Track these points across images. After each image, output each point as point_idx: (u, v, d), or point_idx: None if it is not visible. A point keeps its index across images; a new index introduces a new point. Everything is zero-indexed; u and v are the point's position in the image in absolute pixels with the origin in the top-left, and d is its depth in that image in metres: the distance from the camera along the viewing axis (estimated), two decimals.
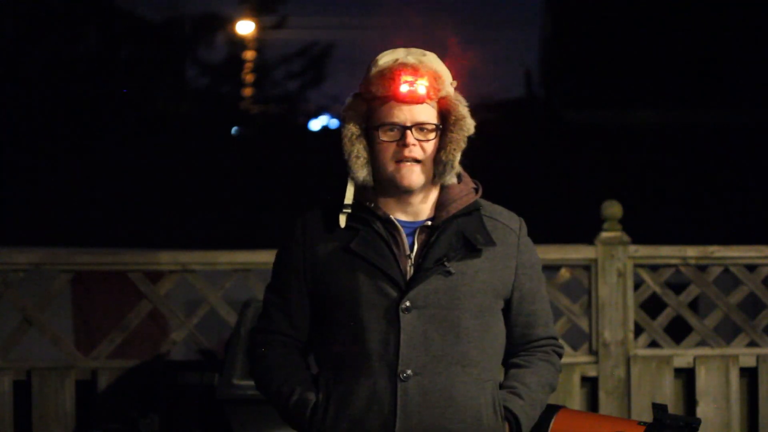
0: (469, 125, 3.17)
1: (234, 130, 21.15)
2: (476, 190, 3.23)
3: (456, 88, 3.20)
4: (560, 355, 3.29)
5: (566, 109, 18.45)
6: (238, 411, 5.74)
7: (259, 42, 22.22)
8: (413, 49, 3.17)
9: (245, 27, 21.92)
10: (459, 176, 3.21)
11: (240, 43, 22.00)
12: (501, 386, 3.21)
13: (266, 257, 6.73)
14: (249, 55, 22.10)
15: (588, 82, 18.50)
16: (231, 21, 21.83)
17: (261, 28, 22.09)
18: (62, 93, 18.28)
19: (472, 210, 3.19)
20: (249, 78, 22.03)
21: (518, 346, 3.26)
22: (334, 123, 22.24)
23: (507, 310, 3.23)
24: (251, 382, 5.73)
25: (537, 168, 16.32)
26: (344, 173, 3.17)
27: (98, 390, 6.54)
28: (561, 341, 3.39)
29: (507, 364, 3.27)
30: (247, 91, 22.13)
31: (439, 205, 3.17)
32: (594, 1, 18.86)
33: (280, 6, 22.48)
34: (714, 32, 17.82)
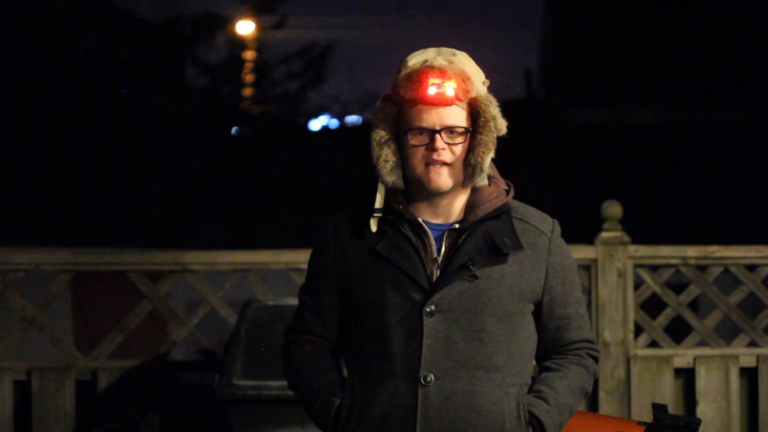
0: (500, 126, 3.13)
1: (234, 130, 21.17)
2: (507, 192, 3.19)
3: (489, 87, 3.17)
4: (596, 359, 3.24)
5: (566, 109, 18.45)
6: (238, 411, 5.74)
7: (259, 42, 22.24)
8: (444, 49, 3.14)
9: (245, 27, 21.93)
10: (490, 177, 3.18)
11: (240, 43, 22.02)
12: (529, 390, 3.16)
13: (266, 257, 6.73)
14: (249, 55, 22.11)
15: (588, 82, 18.50)
16: (231, 21, 21.85)
17: (261, 28, 22.10)
18: (62, 93, 18.29)
19: (502, 212, 3.15)
20: (249, 78, 22.04)
21: (551, 350, 3.21)
22: (334, 123, 22.25)
23: (538, 314, 3.18)
24: (251, 382, 5.75)
25: (537, 168, 16.32)
26: (373, 175, 3.15)
27: (98, 390, 6.54)
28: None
29: (539, 367, 3.23)
30: (247, 91, 22.14)
31: (469, 207, 3.13)
32: (594, 1, 18.87)
33: (280, 6, 22.50)
34: (714, 32, 17.83)
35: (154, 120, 19.28)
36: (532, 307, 3.17)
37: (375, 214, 3.14)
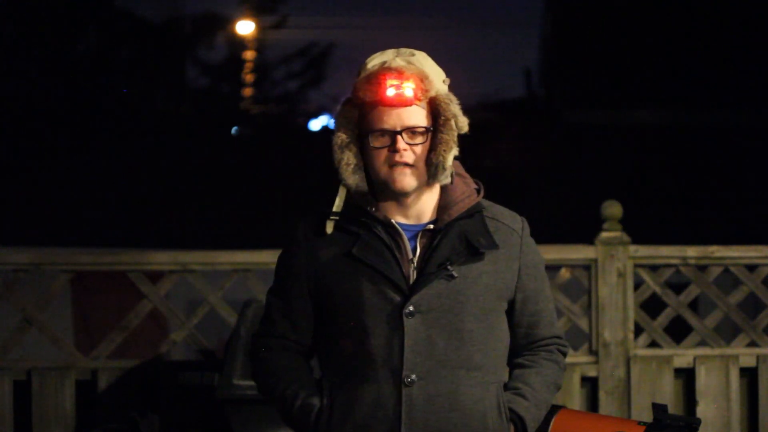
0: (461, 124, 3.15)
1: (234, 130, 21.16)
2: (478, 191, 3.21)
3: (450, 86, 3.18)
4: (565, 354, 3.28)
5: (566, 109, 18.45)
6: (238, 411, 5.74)
7: (259, 42, 22.23)
8: (402, 50, 3.16)
9: (245, 27, 21.92)
10: (452, 176, 3.18)
11: (240, 43, 22.01)
12: (505, 387, 3.19)
13: (266, 257, 6.73)
14: (249, 55, 22.11)
15: (588, 82, 18.49)
16: (231, 21, 21.84)
17: (261, 28, 22.10)
18: (62, 93, 18.28)
19: (474, 212, 3.17)
20: (249, 78, 22.04)
21: (523, 347, 3.24)
22: (333, 123, 22.23)
23: (510, 311, 3.21)
24: (251, 382, 5.75)
25: (537, 168, 16.32)
26: (338, 179, 3.17)
27: (98, 390, 6.55)
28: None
29: (511, 364, 3.26)
30: (247, 91, 22.14)
31: (441, 207, 3.15)
32: (594, 1, 18.86)
33: (280, 6, 22.49)
34: (714, 32, 17.82)
35: (154, 120, 19.28)
36: (506, 305, 3.20)
37: (332, 217, 3.14)
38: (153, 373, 6.56)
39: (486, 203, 3.22)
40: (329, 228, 3.14)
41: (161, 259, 6.72)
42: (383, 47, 3.21)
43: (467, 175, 3.23)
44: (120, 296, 7.57)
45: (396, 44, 3.21)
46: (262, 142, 19.47)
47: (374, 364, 3.09)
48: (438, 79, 3.15)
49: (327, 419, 3.12)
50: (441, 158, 3.11)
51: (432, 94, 3.12)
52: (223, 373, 5.84)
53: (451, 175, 3.18)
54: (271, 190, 16.13)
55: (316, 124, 22.11)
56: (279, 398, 3.18)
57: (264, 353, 3.23)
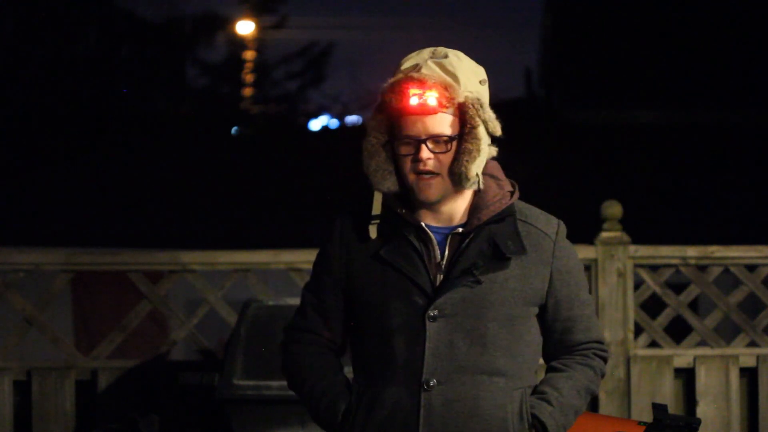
0: (493, 129, 3.10)
1: (234, 130, 21.17)
2: (512, 194, 3.17)
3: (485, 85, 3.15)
4: (604, 359, 3.22)
5: (566, 109, 18.45)
6: (238, 411, 5.74)
7: (259, 42, 22.26)
8: (439, 49, 3.12)
9: (245, 27, 21.94)
10: (479, 182, 3.13)
11: (240, 43, 22.04)
12: (534, 391, 3.15)
13: (266, 257, 6.73)
14: (249, 55, 22.13)
15: (588, 82, 18.50)
16: (231, 21, 21.87)
17: (261, 28, 22.12)
18: (62, 93, 18.29)
19: (506, 215, 3.13)
20: (249, 78, 22.06)
21: (558, 351, 3.20)
22: (334, 123, 22.27)
23: (543, 317, 3.17)
24: (251, 382, 5.76)
25: (537, 168, 16.32)
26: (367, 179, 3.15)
27: (98, 390, 6.55)
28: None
29: (547, 367, 3.22)
30: (247, 91, 22.15)
31: (472, 210, 3.12)
32: (594, 1, 18.87)
33: (280, 6, 22.52)
34: (714, 32, 17.83)
35: (154, 120, 19.29)
36: (536, 310, 3.16)
37: (373, 221, 3.13)
38: (153, 373, 6.57)
39: (521, 205, 3.18)
40: (372, 233, 3.12)
41: (161, 259, 6.72)
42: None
43: (503, 177, 3.19)
44: (120, 296, 7.58)
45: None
46: (262, 142, 19.47)
47: (396, 367, 3.08)
48: (472, 81, 3.11)
49: (352, 419, 3.12)
50: (464, 169, 3.07)
51: (460, 99, 3.08)
52: (223, 373, 5.84)
53: (489, 177, 3.14)
54: (271, 190, 16.13)
55: (316, 124, 22.13)
56: (307, 394, 3.18)
57: (294, 347, 3.22)
